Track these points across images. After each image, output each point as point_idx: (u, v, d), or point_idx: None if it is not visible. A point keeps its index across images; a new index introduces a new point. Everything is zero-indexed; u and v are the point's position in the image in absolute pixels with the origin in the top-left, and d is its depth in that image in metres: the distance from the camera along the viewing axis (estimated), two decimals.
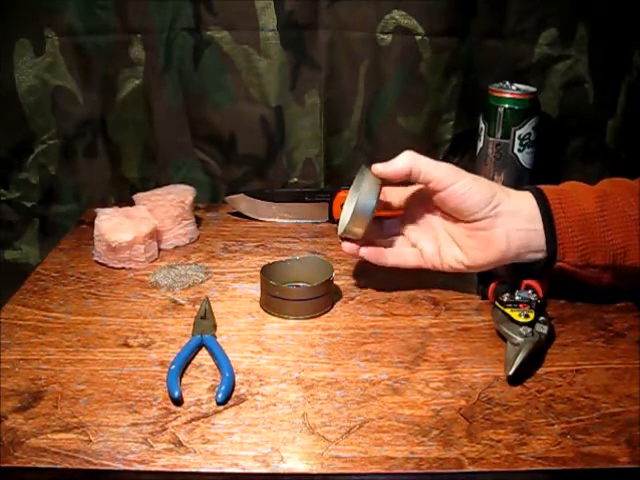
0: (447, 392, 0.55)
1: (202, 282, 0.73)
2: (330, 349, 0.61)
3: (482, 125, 0.83)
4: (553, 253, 0.63)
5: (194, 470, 0.48)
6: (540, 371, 0.58)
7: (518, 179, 0.81)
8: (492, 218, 0.63)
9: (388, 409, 0.53)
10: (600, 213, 0.63)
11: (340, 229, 0.69)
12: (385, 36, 0.83)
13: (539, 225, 0.63)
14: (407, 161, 0.63)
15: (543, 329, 0.60)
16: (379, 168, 0.64)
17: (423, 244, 0.69)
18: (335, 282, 0.69)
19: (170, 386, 0.55)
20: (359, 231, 0.66)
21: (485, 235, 0.64)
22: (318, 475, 0.48)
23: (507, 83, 0.82)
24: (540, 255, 0.64)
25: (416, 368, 0.58)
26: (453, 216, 0.66)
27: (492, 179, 0.82)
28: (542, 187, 0.65)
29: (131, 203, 0.82)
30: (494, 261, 0.64)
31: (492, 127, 0.81)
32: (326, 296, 0.67)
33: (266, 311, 0.67)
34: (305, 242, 0.83)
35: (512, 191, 0.66)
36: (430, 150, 0.89)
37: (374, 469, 0.48)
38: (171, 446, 0.49)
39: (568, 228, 0.62)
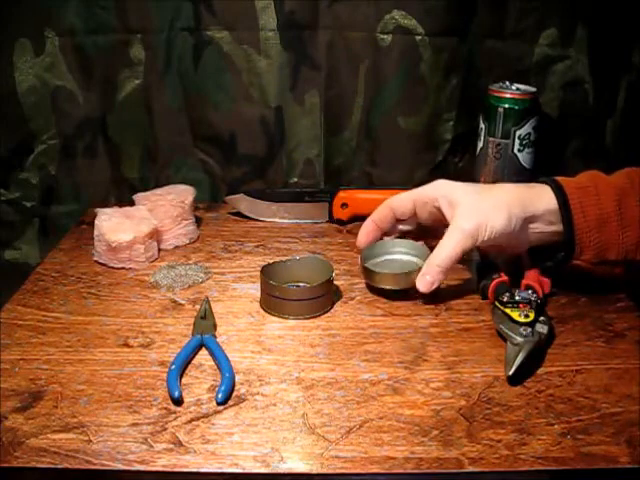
0: (447, 392, 0.55)
1: (202, 282, 0.73)
2: (330, 349, 0.61)
3: (482, 125, 0.83)
4: (570, 252, 0.64)
5: (194, 470, 0.48)
6: (540, 371, 0.58)
7: (518, 179, 0.81)
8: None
9: (388, 409, 0.53)
10: (618, 212, 0.63)
11: (368, 278, 0.70)
12: (385, 36, 0.83)
13: (556, 227, 0.64)
14: (437, 278, 0.66)
15: (543, 329, 0.60)
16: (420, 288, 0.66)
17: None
18: (335, 282, 0.69)
19: (170, 386, 0.55)
20: (385, 286, 0.69)
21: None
22: (318, 475, 0.48)
23: (507, 83, 0.82)
24: (553, 239, 0.65)
25: (416, 368, 0.58)
26: None
27: (492, 179, 0.83)
28: (562, 182, 0.65)
29: (131, 203, 0.82)
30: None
31: (492, 127, 0.81)
32: (326, 296, 0.67)
33: (266, 311, 0.67)
34: (305, 242, 0.83)
35: (528, 190, 0.66)
36: (430, 150, 0.89)
37: (374, 469, 0.48)
38: (171, 446, 0.49)
39: (586, 230, 0.63)
